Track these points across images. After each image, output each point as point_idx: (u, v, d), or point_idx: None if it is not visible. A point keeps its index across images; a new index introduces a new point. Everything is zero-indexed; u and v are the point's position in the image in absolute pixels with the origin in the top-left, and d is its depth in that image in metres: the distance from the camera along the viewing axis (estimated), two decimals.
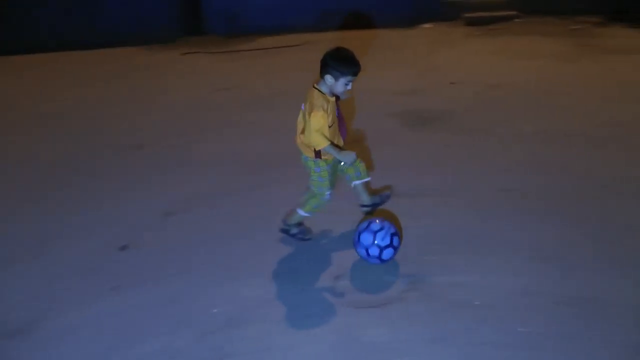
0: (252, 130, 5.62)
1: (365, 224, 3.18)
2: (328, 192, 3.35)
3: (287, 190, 4.10)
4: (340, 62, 3.05)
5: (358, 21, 10.66)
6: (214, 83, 7.52)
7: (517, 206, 3.76)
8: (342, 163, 3.30)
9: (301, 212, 3.42)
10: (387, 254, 3.11)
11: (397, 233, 3.13)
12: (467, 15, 10.90)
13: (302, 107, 3.22)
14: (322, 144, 3.11)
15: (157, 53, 9.56)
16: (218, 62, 8.83)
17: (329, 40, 9.95)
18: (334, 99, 3.18)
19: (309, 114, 3.08)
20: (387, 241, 3.08)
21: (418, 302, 2.86)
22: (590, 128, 5.19)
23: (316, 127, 3.06)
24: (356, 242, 3.16)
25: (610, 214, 3.62)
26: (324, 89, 3.14)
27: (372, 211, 3.58)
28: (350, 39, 9.91)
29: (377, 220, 3.18)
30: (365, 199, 3.51)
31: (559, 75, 7.00)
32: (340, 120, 3.27)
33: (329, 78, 3.08)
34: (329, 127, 3.14)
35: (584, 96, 6.15)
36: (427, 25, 10.73)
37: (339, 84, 3.08)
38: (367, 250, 3.12)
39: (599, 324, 2.64)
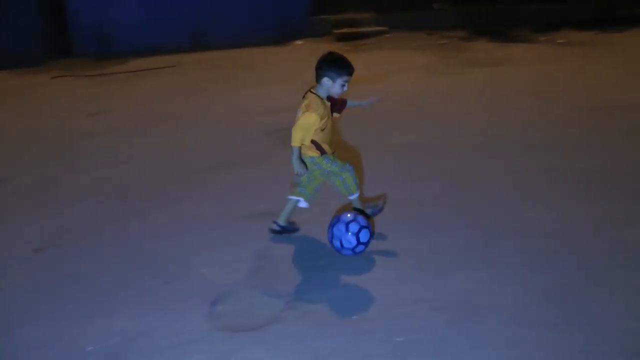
0: (126, 157, 5.43)
1: (336, 218, 3.36)
2: (348, 166, 3.46)
3: (159, 219, 4.02)
4: (336, 64, 3.29)
5: (230, 40, 10.68)
6: (85, 108, 7.20)
7: (390, 216, 3.87)
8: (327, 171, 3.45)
9: (354, 196, 3.54)
10: (363, 236, 3.28)
11: (368, 226, 3.31)
12: (336, 31, 11.26)
13: (298, 112, 3.35)
14: (295, 141, 3.28)
15: (26, 76, 9.02)
16: (89, 86, 8.47)
17: (203, 60, 9.88)
18: (329, 103, 3.37)
19: (303, 113, 3.27)
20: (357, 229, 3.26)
21: (296, 320, 2.87)
22: (461, 137, 5.50)
23: (303, 125, 3.26)
24: (331, 236, 3.33)
25: (474, 218, 3.84)
26: (321, 93, 3.34)
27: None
28: (223, 59, 9.91)
29: (349, 214, 3.36)
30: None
31: (429, 87, 7.38)
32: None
33: (326, 81, 3.28)
34: (322, 130, 3.32)
35: (453, 106, 6.52)
36: (298, 42, 10.96)
37: (336, 85, 3.29)
38: (341, 242, 3.29)
39: (470, 327, 2.76)
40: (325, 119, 3.34)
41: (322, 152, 3.41)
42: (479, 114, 6.21)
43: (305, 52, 10.03)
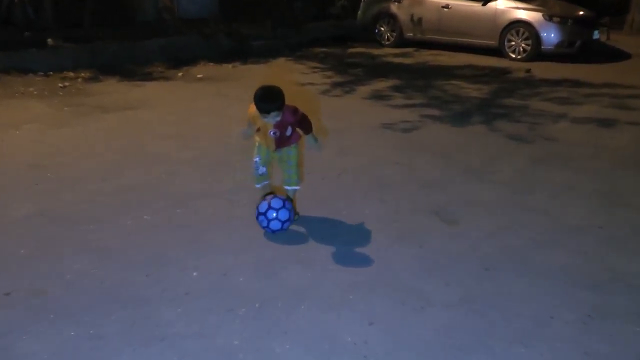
0: None
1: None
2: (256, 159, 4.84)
3: None
4: (255, 98, 4.50)
5: None
6: None
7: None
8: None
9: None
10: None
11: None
12: None
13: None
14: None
15: None
16: None
17: None
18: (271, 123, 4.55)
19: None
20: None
21: None
22: (100, 197, 5.46)
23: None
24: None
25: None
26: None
27: None
28: None
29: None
30: None
31: (48, 144, 7.15)
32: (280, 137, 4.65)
33: None
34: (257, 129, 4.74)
35: (79, 166, 6.44)
36: None
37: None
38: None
39: None
40: (263, 127, 4.66)
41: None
42: (115, 165, 6.26)
43: None
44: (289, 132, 4.65)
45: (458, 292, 3.95)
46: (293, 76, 11.17)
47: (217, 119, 8.27)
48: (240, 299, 3.84)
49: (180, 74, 11.48)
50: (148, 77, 11.24)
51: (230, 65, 12.36)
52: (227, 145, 7.01)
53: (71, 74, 11.13)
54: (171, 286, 4.00)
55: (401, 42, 14.98)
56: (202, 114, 8.62)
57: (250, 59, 13.01)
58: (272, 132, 4.59)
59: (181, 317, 3.66)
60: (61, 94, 9.86)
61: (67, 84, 10.55)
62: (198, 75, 11.37)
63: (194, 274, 4.17)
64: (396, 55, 14.02)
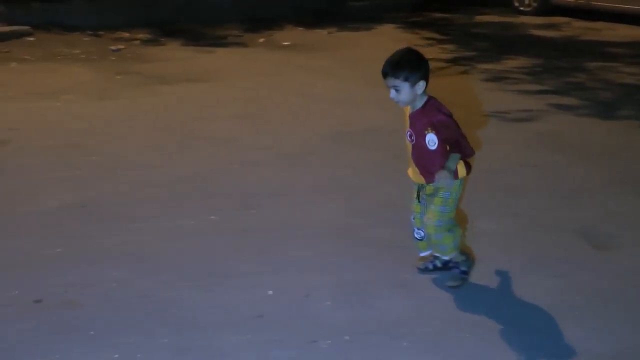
0: None
1: None
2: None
3: None
4: None
5: None
6: None
7: None
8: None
9: None
10: None
11: None
12: None
13: None
14: None
15: None
16: None
17: None
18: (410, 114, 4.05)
19: None
20: None
21: None
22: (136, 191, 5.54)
23: None
24: None
25: None
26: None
27: None
28: None
29: None
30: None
31: (91, 120, 7.32)
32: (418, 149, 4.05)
33: None
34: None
35: (125, 149, 6.54)
36: None
37: None
38: None
39: None
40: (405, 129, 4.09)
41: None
42: (160, 156, 6.35)
43: None
44: (431, 143, 4.01)
45: (609, 343, 3.74)
46: (397, 47, 10.95)
47: (302, 99, 8.28)
48: (325, 329, 3.77)
49: (261, 40, 11.57)
50: (220, 41, 11.41)
51: (325, 31, 12.36)
52: (312, 132, 6.99)
53: (126, 35, 11.42)
54: (237, 307, 3.97)
55: (546, 8, 14.59)
56: (283, 91, 8.64)
57: (348, 23, 12.97)
58: (407, 133, 4.10)
59: (248, 347, 3.62)
60: (113, 58, 10.13)
61: (120, 46, 10.83)
62: (283, 42, 11.45)
63: (269, 292, 4.14)
64: (537, 26, 13.69)
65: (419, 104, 3.98)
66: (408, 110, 4.04)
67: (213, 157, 6.32)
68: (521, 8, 14.97)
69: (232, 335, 3.71)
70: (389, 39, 11.92)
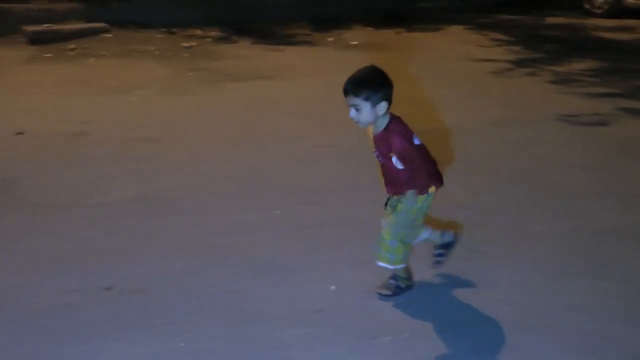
0: None
1: None
2: None
3: None
4: None
5: None
6: None
7: None
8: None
9: None
10: None
11: None
12: (30, 28, 10.94)
13: None
14: None
15: None
16: None
17: None
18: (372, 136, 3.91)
19: None
20: None
21: None
22: (209, 184, 5.64)
23: None
24: None
25: None
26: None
27: None
28: None
29: None
30: None
31: (163, 115, 7.47)
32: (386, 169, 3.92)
33: None
34: None
35: (195, 144, 6.65)
36: None
37: None
38: None
39: None
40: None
41: None
42: (228, 151, 6.47)
43: None
44: (398, 164, 3.87)
45: None
46: (468, 49, 11.00)
47: None
48: (386, 325, 3.78)
49: (330, 39, 11.62)
50: (289, 40, 11.49)
51: (393, 32, 12.35)
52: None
53: (199, 32, 11.57)
54: (299, 301, 4.01)
55: (617, 10, 14.31)
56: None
57: (417, 24, 12.95)
58: (375, 153, 3.98)
59: (310, 340, 3.63)
60: (186, 55, 10.28)
61: (193, 43, 10.98)
62: (352, 42, 11.47)
63: (332, 287, 4.18)
64: (608, 28, 13.43)
65: (381, 125, 3.83)
66: (371, 130, 3.90)
67: (279, 153, 6.38)
68: (592, 10, 14.72)
69: (294, 328, 3.73)
70: (457, 40, 11.87)
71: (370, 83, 3.76)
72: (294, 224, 4.99)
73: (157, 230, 4.88)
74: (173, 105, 7.85)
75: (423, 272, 4.32)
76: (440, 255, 4.22)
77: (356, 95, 3.73)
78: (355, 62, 9.93)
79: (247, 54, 10.52)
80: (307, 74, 9.41)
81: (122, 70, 9.40)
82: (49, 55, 9.95)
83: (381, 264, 3.97)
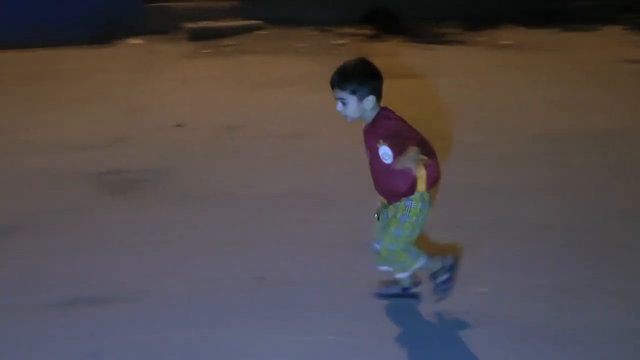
0: None
1: None
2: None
3: None
4: None
5: (22, 37, 10.41)
6: None
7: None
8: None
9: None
10: None
11: None
12: (190, 25, 11.31)
13: None
14: None
15: None
16: None
17: None
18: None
19: None
20: None
21: None
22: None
23: None
24: None
25: None
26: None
27: None
28: (8, 64, 9.66)
29: None
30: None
31: (316, 110, 7.53)
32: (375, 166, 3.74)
33: None
34: None
35: (341, 141, 6.67)
36: (133, 41, 10.91)
37: None
38: None
39: None
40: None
41: None
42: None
43: (140, 56, 10.00)
44: (385, 157, 3.64)
45: None
46: (622, 50, 10.46)
47: (521, 100, 8.07)
48: (535, 329, 3.66)
49: (481, 38, 11.43)
50: (440, 39, 11.38)
51: (547, 32, 12.00)
52: (522, 132, 6.83)
53: (351, 30, 11.62)
54: (447, 302, 3.89)
55: None
56: (501, 91, 8.46)
57: (572, 24, 12.52)
58: (365, 151, 3.82)
59: (455, 340, 3.59)
60: (336, 52, 10.33)
61: (342, 41, 11.04)
62: (503, 42, 11.23)
63: (483, 289, 4.06)
64: None
65: (369, 119, 3.68)
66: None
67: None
68: None
69: (442, 329, 3.71)
70: (614, 41, 11.37)
71: (357, 76, 3.62)
72: (441, 224, 4.88)
73: (304, 223, 4.93)
74: (321, 101, 7.88)
75: (581, 279, 4.18)
76: (445, 282, 3.84)
77: (342, 88, 3.62)
78: (504, 63, 9.82)
79: (397, 51, 10.47)
80: (457, 73, 9.26)
81: (274, 66, 9.57)
82: (208, 51, 10.27)
83: (397, 275, 3.83)
